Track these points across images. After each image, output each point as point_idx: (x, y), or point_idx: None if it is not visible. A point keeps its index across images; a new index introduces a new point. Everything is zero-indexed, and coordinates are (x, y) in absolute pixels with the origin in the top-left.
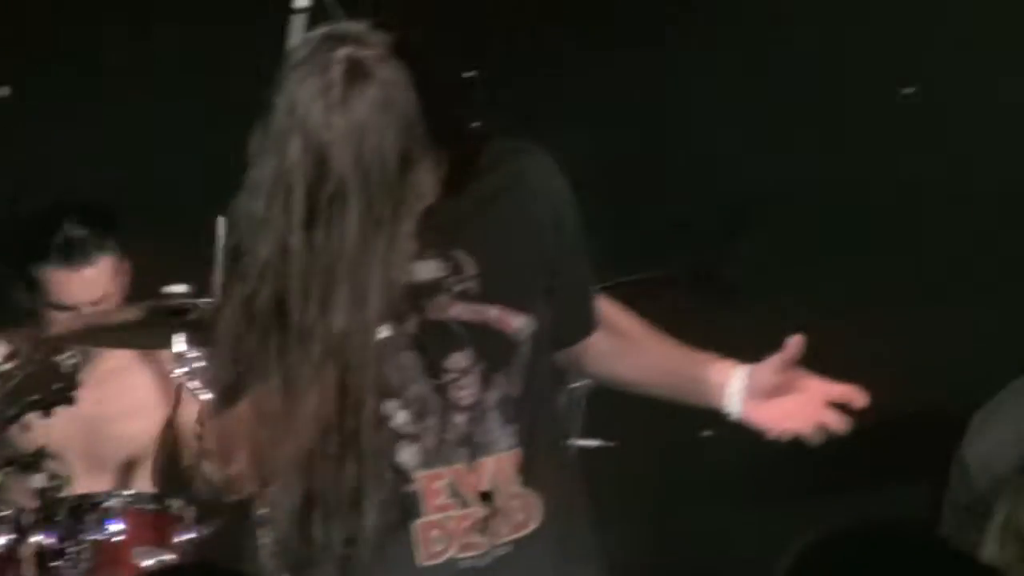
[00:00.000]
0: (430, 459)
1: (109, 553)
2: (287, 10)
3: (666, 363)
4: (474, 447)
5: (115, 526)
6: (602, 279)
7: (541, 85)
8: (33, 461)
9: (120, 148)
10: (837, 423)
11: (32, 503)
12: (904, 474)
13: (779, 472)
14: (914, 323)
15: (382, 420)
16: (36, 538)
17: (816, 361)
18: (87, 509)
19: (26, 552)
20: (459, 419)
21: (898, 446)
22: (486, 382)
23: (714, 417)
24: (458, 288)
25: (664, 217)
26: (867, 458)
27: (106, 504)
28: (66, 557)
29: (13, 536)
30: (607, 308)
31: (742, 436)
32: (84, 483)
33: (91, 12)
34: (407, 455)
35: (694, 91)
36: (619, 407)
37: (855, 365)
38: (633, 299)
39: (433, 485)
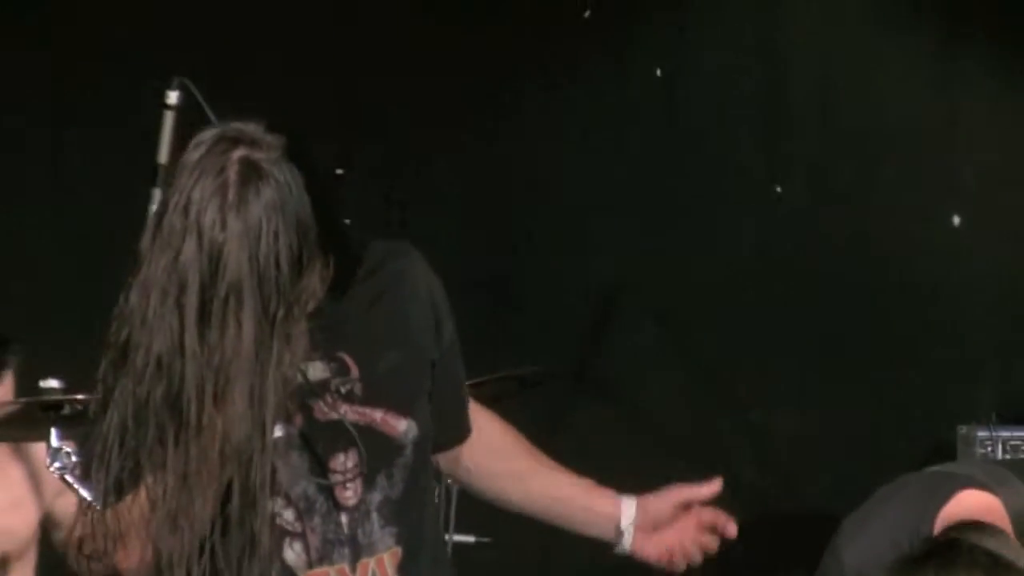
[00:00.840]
0: (314, 558)
1: None
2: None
3: (557, 491)
4: (357, 547)
5: None
6: (477, 375)
7: (408, 180)
8: None
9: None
10: (712, 545)
11: None
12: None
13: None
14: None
15: (272, 517)
16: None
17: (687, 456)
18: None
19: None
20: (343, 519)
21: (775, 540)
22: (369, 484)
23: None
24: (344, 389)
25: (537, 311)
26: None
27: None
28: None
29: None
30: (500, 429)
31: None
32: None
33: None
34: (292, 553)
35: (566, 176)
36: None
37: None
38: (507, 394)
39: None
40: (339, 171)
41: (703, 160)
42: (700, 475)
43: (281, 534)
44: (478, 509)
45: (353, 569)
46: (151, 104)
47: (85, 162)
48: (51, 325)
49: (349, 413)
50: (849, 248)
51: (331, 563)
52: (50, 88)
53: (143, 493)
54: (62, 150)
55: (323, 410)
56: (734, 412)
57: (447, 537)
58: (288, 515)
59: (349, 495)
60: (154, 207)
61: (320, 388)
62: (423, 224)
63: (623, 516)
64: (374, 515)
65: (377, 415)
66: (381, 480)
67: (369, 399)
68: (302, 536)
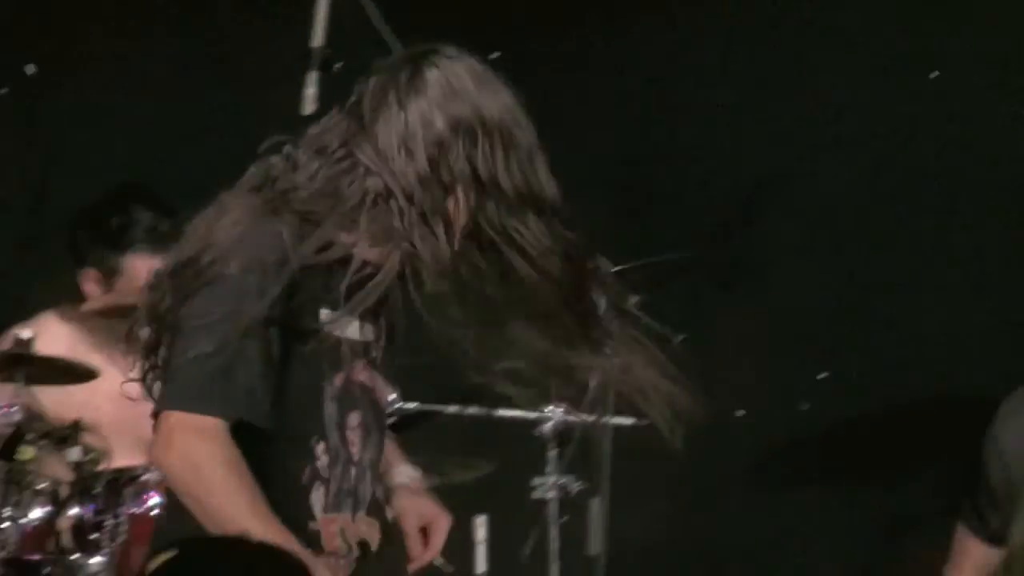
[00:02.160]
0: (331, 503)
1: (147, 526)
2: None
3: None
4: (357, 501)
5: (153, 499)
6: (622, 262)
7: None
8: (69, 435)
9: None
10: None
11: (69, 476)
12: (924, 460)
13: (808, 454)
14: (923, 312)
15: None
16: (73, 511)
17: (838, 346)
18: (125, 482)
19: (63, 524)
20: (352, 472)
21: (918, 433)
22: (364, 443)
23: (746, 396)
24: (373, 354)
25: (682, 203)
26: (892, 444)
27: (144, 478)
28: (103, 529)
29: (50, 509)
30: None
31: (774, 417)
32: (122, 457)
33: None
34: (316, 496)
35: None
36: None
37: (873, 352)
38: (651, 283)
39: (330, 528)
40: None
41: None
42: (841, 364)
43: (313, 475)
44: None
45: (353, 520)
46: None
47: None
48: None
49: (364, 376)
50: None
51: (339, 511)
52: None
53: None
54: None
55: (358, 369)
56: (880, 303)
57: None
58: (323, 460)
59: (355, 451)
60: (310, 90)
61: (364, 348)
62: (576, 112)
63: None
64: (368, 473)
65: (379, 382)
66: (374, 440)
67: (380, 366)
68: (327, 482)
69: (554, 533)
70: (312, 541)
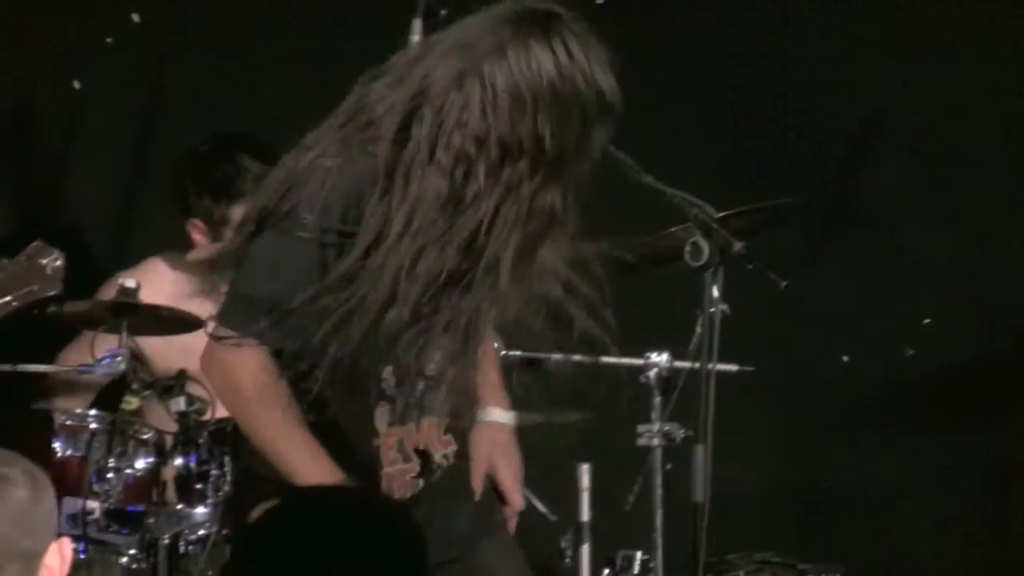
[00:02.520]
0: (395, 419)
1: (252, 478)
2: None
3: None
4: (423, 412)
5: None
6: (733, 207)
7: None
8: (173, 385)
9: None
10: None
11: (173, 427)
12: None
13: (916, 397)
14: None
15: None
16: (178, 461)
17: (942, 292)
18: (228, 433)
19: (167, 475)
20: (421, 385)
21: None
22: (445, 361)
23: (852, 342)
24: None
25: (795, 147)
26: (995, 390)
27: None
28: (208, 480)
29: (154, 459)
30: None
31: (881, 361)
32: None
33: None
34: (380, 413)
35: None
36: (759, 332)
37: (977, 298)
38: (762, 227)
39: (388, 441)
40: None
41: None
42: (954, 309)
43: (379, 394)
44: (743, 337)
45: (418, 429)
46: None
47: None
48: None
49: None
50: None
51: (403, 424)
52: None
53: None
54: None
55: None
56: (991, 247)
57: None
58: (390, 381)
59: (429, 367)
60: (414, 37)
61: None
62: (687, 58)
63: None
64: (443, 387)
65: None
66: (458, 361)
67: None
68: (392, 400)
69: (658, 480)
70: (373, 456)
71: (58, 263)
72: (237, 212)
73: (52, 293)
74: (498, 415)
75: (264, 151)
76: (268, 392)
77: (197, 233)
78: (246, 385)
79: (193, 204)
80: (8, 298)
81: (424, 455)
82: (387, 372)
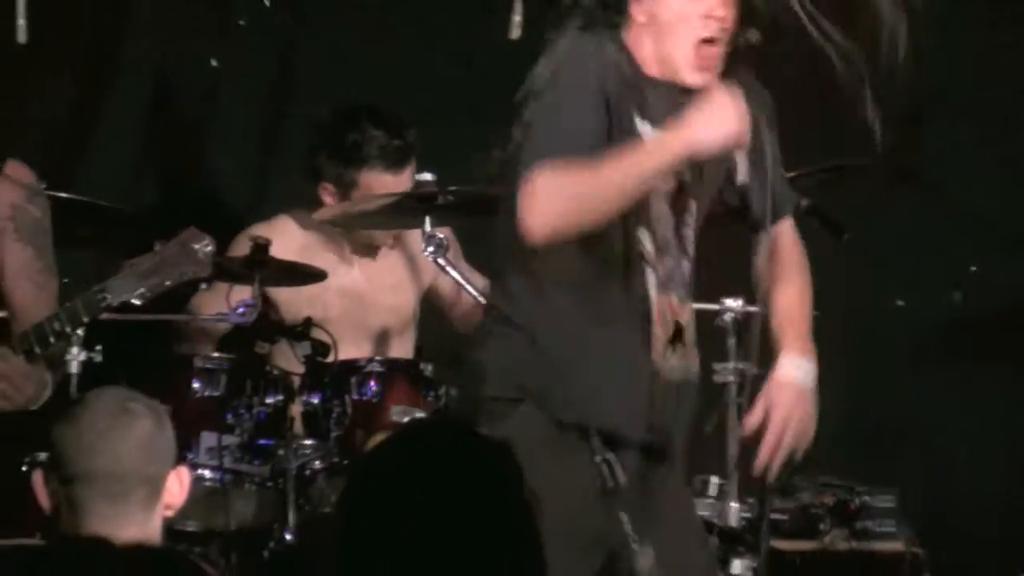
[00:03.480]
0: (660, 285)
1: (368, 412)
2: None
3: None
4: (681, 287)
5: (374, 388)
6: (795, 167)
7: None
8: (300, 330)
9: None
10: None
11: (299, 368)
12: None
13: (965, 339)
14: None
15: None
16: (303, 399)
17: (987, 242)
18: (350, 373)
19: (295, 411)
20: (672, 263)
21: None
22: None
23: (906, 288)
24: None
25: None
26: None
27: (367, 369)
28: (330, 416)
29: (283, 397)
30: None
31: (930, 306)
32: (347, 350)
33: None
34: (649, 277)
35: None
36: (822, 279)
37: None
38: (821, 186)
39: (659, 306)
40: None
41: None
42: (1009, 263)
43: (641, 258)
44: None
45: (679, 301)
46: None
47: None
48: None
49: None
50: None
51: (666, 293)
52: None
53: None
54: None
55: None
56: None
57: None
58: (650, 248)
59: (677, 246)
60: (516, 17)
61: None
62: None
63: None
64: (684, 266)
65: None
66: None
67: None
68: (655, 267)
69: (732, 411)
70: (647, 312)
71: (208, 248)
72: (364, 178)
73: (203, 275)
74: (794, 365)
75: (389, 122)
76: (560, 186)
77: (327, 196)
78: (576, 176)
79: (325, 169)
80: (163, 278)
81: (678, 326)
82: (646, 238)
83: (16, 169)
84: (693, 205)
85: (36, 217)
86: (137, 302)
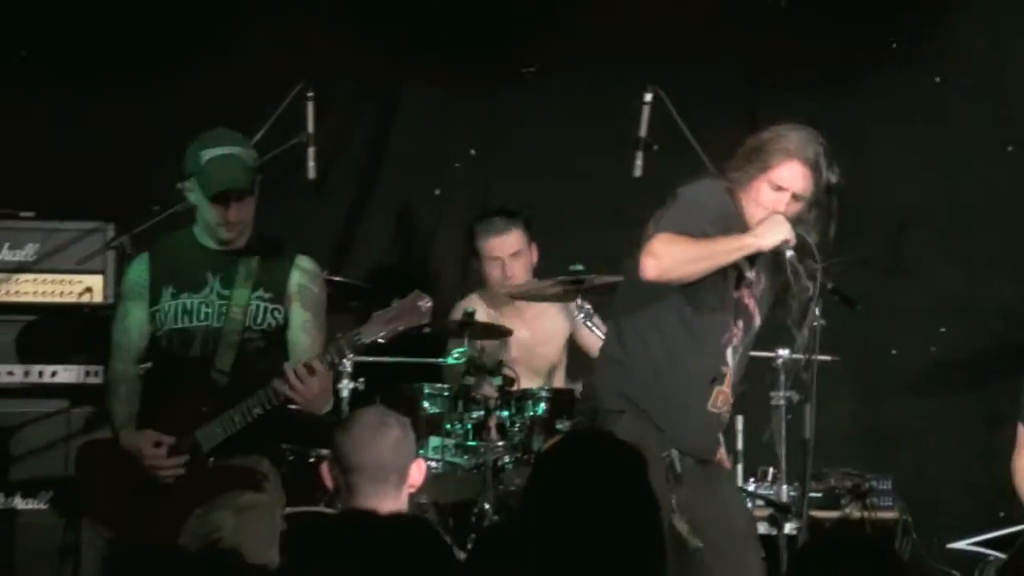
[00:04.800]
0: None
1: (540, 424)
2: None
3: None
4: (744, 349)
5: (544, 407)
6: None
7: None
8: (494, 368)
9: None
10: None
11: (493, 394)
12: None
13: (940, 378)
14: None
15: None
16: (497, 414)
17: (947, 312)
18: (528, 398)
19: (491, 423)
20: (742, 335)
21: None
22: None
23: (899, 342)
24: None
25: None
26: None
27: (538, 395)
28: (515, 426)
29: (483, 413)
30: None
31: (915, 355)
32: (524, 382)
33: None
34: (729, 352)
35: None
36: (841, 326)
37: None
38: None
39: (728, 378)
40: None
41: None
42: (968, 327)
43: (728, 341)
44: (831, 330)
45: (735, 364)
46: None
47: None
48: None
49: (751, 302)
50: None
51: (726, 363)
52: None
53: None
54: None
55: (747, 294)
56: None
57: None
58: (736, 338)
59: (753, 318)
60: (637, 162)
61: (749, 282)
62: None
63: None
64: (742, 350)
65: (752, 304)
66: (744, 342)
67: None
68: (736, 349)
69: (783, 426)
70: (719, 377)
71: (428, 304)
72: (484, 246)
73: (424, 322)
74: None
75: (508, 215)
76: (674, 242)
77: (479, 265)
78: (681, 244)
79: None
80: (398, 324)
81: (731, 387)
82: (734, 325)
83: (303, 260)
84: (753, 303)
85: (316, 292)
86: (381, 341)
